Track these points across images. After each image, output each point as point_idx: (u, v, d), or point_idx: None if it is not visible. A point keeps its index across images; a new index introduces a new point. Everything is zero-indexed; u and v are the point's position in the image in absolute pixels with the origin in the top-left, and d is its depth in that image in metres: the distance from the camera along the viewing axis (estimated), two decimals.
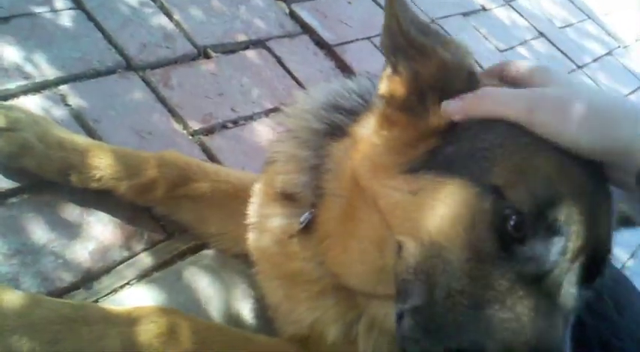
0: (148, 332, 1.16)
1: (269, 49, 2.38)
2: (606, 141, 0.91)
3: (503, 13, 3.82)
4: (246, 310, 1.49)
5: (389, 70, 1.07)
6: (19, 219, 1.39)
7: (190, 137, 1.84)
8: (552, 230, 0.89)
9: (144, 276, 1.44)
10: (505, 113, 0.97)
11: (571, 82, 1.05)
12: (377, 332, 1.21)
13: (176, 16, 2.19)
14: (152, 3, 2.19)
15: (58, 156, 1.41)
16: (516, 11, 3.95)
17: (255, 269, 1.40)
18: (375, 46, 2.74)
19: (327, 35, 2.62)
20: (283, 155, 1.31)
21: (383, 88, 1.08)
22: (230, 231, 1.53)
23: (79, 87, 1.75)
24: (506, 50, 3.44)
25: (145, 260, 1.47)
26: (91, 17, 1.97)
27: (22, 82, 1.65)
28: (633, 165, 0.91)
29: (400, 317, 0.99)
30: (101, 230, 1.46)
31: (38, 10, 1.87)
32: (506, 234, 0.89)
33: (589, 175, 0.95)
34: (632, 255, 2.62)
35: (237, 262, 1.56)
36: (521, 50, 3.56)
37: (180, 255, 1.53)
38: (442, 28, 3.13)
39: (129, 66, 1.92)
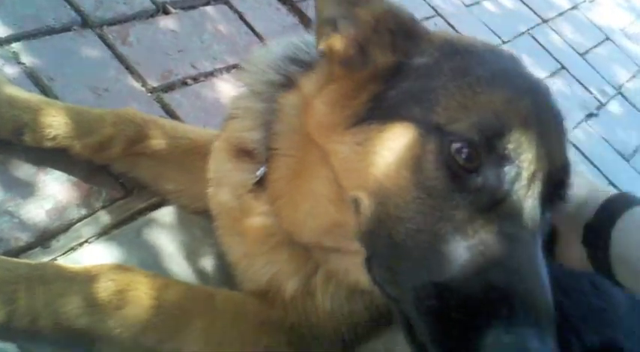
0: (106, 289, 1.16)
1: (230, 5, 2.33)
2: None
3: None
4: (208, 266, 1.50)
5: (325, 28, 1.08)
6: None
7: (149, 94, 1.81)
8: (504, 158, 0.91)
9: (102, 234, 1.43)
10: None
11: None
12: (334, 285, 1.23)
13: None
14: None
15: (10, 114, 1.38)
16: None
17: (215, 224, 1.41)
18: None
19: None
20: (242, 110, 1.30)
21: (321, 43, 1.08)
22: (189, 187, 1.53)
23: (32, 44, 1.71)
24: (472, 5, 3.43)
25: (104, 218, 1.45)
26: None
27: None
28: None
29: (369, 266, 1.01)
30: (58, 188, 1.44)
31: None
32: (457, 166, 0.91)
33: (537, 104, 0.98)
34: None
35: (198, 219, 1.56)
36: (487, 4, 3.56)
37: (140, 212, 1.52)
38: None
39: (85, 23, 1.87)
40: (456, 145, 0.91)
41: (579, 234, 1.07)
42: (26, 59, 1.65)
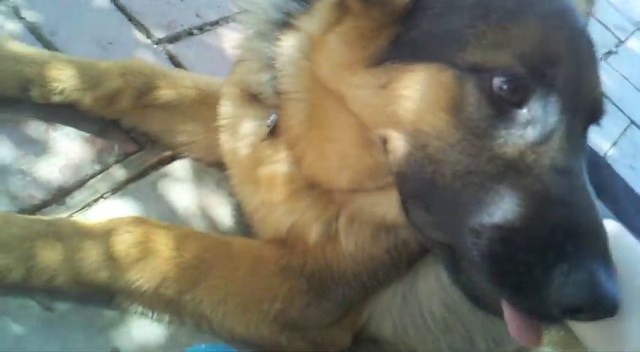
0: (123, 242, 1.16)
1: None
2: None
3: None
4: (224, 217, 1.49)
5: None
6: None
7: (155, 46, 1.77)
8: (550, 88, 0.88)
9: (118, 189, 1.41)
10: None
11: None
12: (357, 226, 1.21)
13: None
14: None
15: (15, 70, 1.35)
16: None
17: (228, 173, 1.39)
18: None
19: None
20: (248, 53, 1.26)
21: None
22: (201, 138, 1.50)
23: None
24: None
25: (118, 172, 1.44)
26: None
27: None
28: None
29: (405, 208, 0.99)
30: (70, 145, 1.42)
31: None
32: (502, 101, 0.88)
33: (571, 29, 0.95)
34: (614, 144, 2.66)
35: (212, 171, 1.54)
36: None
37: (154, 165, 1.50)
38: None
39: None
40: (498, 80, 0.87)
41: None
42: (27, 14, 1.61)
